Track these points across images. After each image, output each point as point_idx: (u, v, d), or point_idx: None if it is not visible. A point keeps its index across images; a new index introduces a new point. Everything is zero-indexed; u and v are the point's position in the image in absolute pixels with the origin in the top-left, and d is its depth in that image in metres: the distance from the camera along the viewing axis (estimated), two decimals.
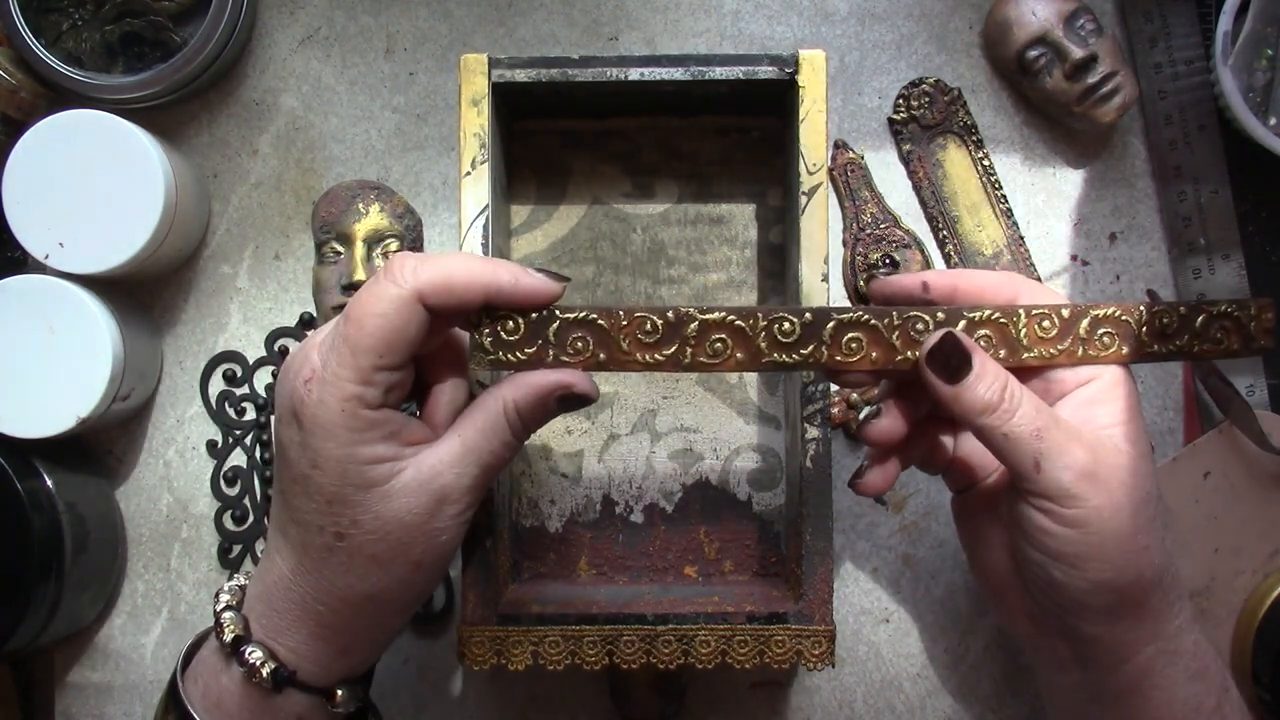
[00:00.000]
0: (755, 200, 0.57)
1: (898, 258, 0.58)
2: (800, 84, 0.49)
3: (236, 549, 0.58)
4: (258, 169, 0.59)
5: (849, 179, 0.58)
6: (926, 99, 0.58)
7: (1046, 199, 0.59)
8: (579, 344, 0.42)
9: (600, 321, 0.42)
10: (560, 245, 0.57)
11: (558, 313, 0.42)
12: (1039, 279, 0.58)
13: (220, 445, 0.58)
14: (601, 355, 0.42)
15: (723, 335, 0.42)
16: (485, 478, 0.42)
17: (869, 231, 0.58)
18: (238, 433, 0.58)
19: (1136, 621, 0.42)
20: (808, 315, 0.42)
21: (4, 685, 0.58)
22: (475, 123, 0.50)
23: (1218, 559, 0.56)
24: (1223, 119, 0.57)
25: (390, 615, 0.43)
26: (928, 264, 0.58)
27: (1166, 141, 0.58)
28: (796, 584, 0.50)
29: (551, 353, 0.42)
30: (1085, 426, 0.42)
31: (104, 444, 0.59)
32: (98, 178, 0.52)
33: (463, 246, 0.49)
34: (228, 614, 0.42)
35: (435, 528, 0.41)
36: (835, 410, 0.57)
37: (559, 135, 0.57)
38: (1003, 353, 0.43)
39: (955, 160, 0.58)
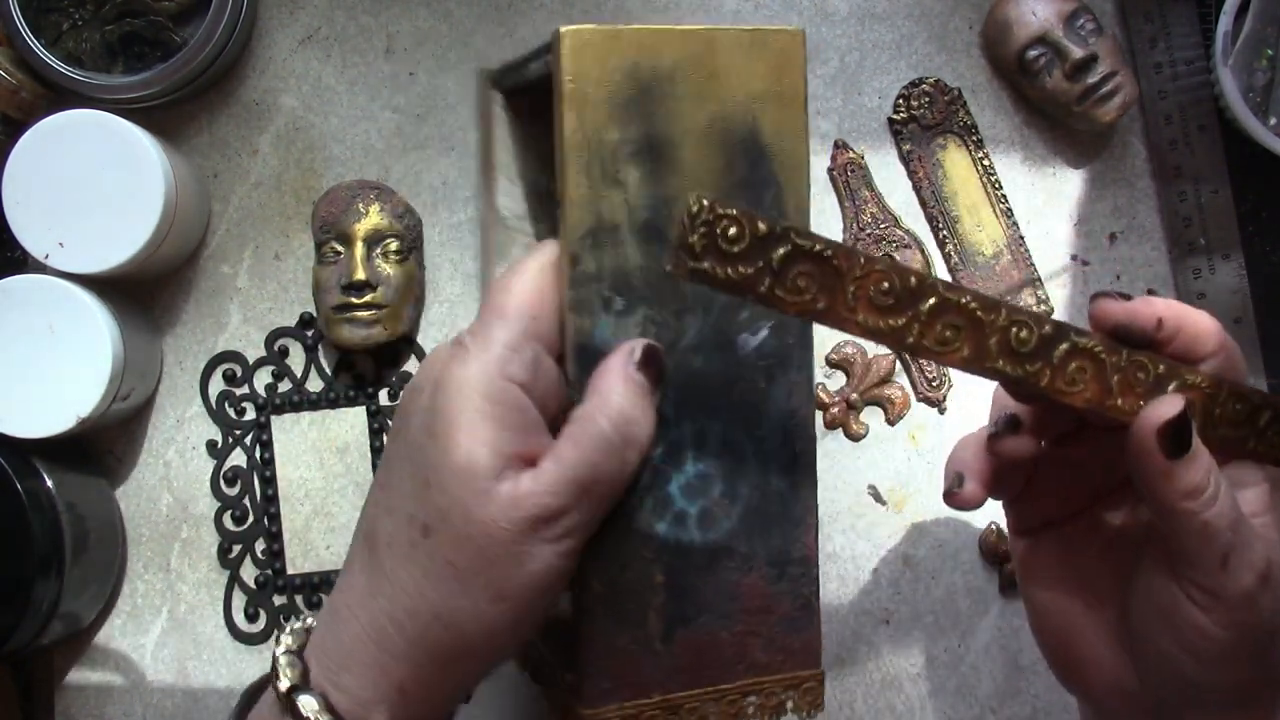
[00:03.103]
0: None
1: (898, 258, 0.58)
2: None
3: (236, 549, 0.58)
4: (258, 169, 0.59)
5: (849, 179, 0.58)
6: (926, 99, 0.58)
7: (1046, 199, 0.59)
8: (801, 281, 0.34)
9: (837, 261, 0.34)
10: None
11: (793, 235, 0.34)
12: (1039, 279, 0.58)
13: (220, 445, 0.58)
14: (820, 304, 0.35)
15: (957, 321, 0.36)
16: (589, 501, 0.37)
17: (869, 231, 0.58)
18: (238, 433, 0.58)
19: (1247, 713, 0.39)
20: (1047, 328, 0.36)
21: (4, 685, 0.58)
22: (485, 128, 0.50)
23: None
24: (1223, 119, 0.57)
25: (460, 656, 0.38)
26: (928, 264, 0.58)
27: (1166, 141, 0.58)
28: None
29: (767, 282, 0.34)
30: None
31: (104, 444, 0.59)
32: (98, 178, 0.52)
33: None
34: (285, 658, 0.38)
35: (524, 551, 0.36)
36: (835, 410, 0.57)
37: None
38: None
39: (955, 160, 0.58)
